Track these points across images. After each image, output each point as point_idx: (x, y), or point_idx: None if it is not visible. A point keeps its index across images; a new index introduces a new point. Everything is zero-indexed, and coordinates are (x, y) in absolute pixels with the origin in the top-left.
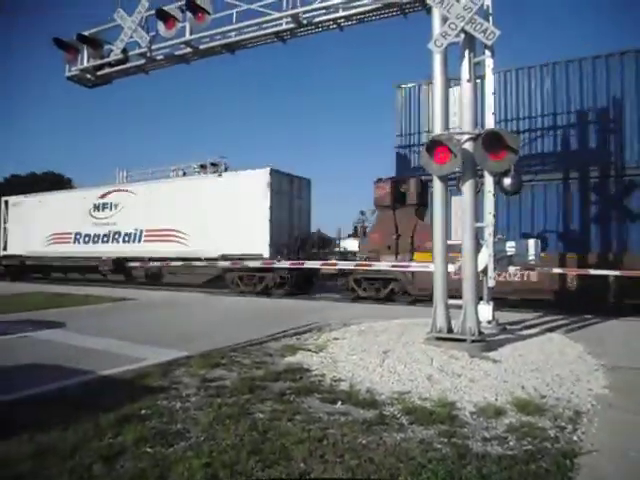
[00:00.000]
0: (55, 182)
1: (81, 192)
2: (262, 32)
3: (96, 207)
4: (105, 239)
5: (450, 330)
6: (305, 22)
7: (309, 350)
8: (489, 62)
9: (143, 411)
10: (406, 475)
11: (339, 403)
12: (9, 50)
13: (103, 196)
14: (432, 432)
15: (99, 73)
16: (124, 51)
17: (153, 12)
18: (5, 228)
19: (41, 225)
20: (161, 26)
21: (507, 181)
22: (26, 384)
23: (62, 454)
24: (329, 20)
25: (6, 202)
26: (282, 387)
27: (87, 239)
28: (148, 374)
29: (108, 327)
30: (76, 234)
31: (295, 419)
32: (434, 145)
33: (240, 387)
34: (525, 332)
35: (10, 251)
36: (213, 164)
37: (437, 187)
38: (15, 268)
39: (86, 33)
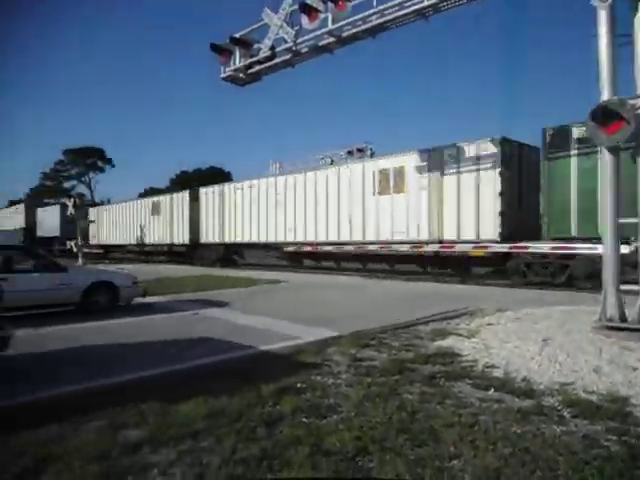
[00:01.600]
0: (218, 176)
1: None
2: (403, 11)
3: None
4: None
5: (623, 319)
6: None
7: (460, 335)
8: None
9: (299, 384)
10: (567, 469)
11: (492, 390)
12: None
13: None
14: (599, 428)
15: (249, 71)
16: (272, 48)
17: (296, 7)
18: None
19: None
20: (304, 19)
21: None
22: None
23: (230, 417)
24: None
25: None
26: (432, 370)
27: None
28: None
29: None
30: None
31: (445, 403)
32: (602, 112)
33: (389, 368)
34: None
35: None
36: (359, 150)
37: (606, 159)
38: None
39: (237, 35)
